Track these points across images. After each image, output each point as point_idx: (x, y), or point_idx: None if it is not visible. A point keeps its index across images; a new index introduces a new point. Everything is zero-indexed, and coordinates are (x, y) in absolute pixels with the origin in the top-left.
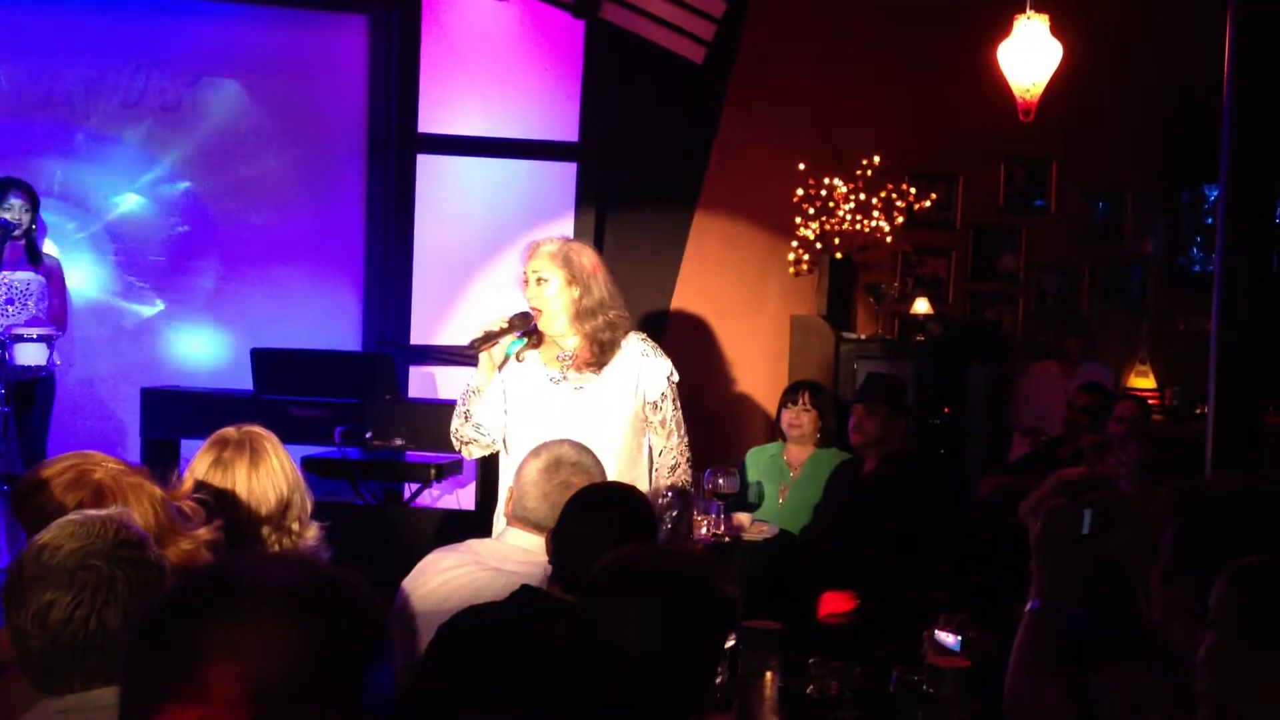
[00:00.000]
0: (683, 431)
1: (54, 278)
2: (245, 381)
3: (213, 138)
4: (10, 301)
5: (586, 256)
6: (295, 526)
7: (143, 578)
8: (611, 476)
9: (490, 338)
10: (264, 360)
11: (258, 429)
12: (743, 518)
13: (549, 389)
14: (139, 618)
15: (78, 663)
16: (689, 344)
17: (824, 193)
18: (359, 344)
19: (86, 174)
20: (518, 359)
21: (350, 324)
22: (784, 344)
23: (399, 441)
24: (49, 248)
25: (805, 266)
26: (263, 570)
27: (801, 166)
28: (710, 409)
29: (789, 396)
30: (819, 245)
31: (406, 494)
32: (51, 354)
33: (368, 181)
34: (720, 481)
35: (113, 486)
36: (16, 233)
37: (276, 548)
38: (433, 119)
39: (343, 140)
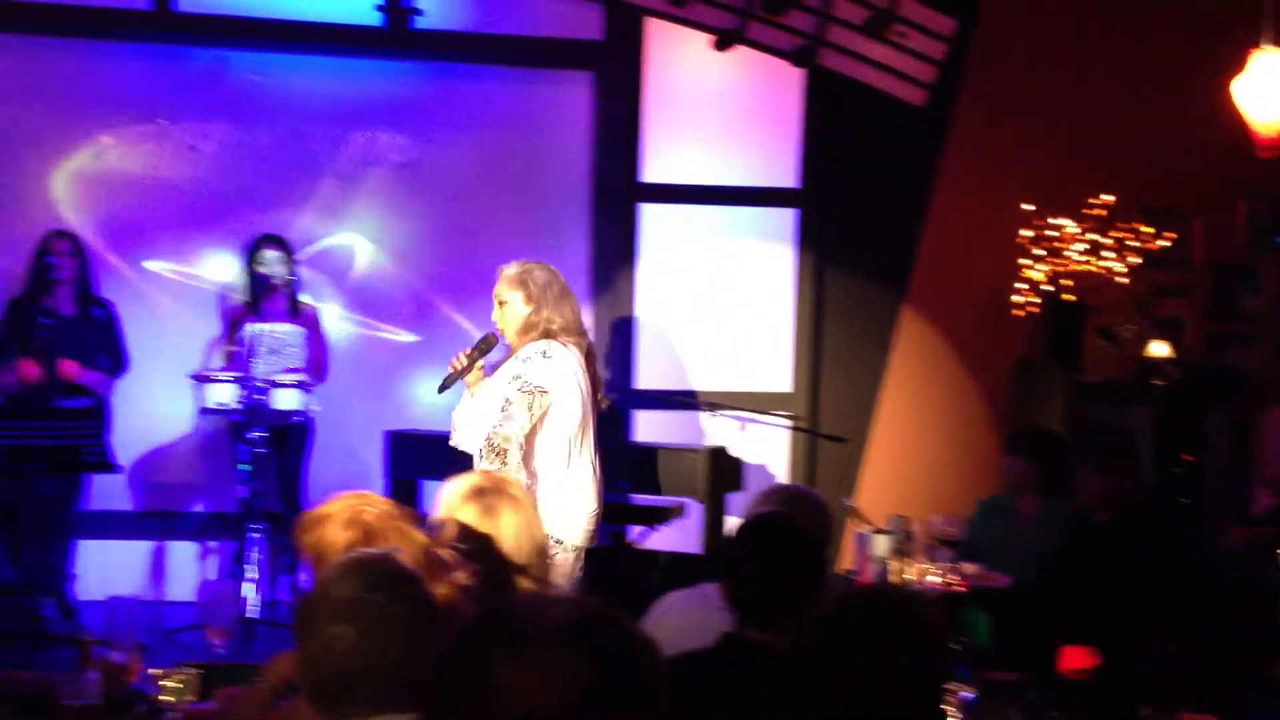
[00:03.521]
0: (514, 421)
1: (313, 326)
2: None
3: (448, 192)
4: (274, 352)
5: (541, 273)
6: (550, 567)
7: (418, 613)
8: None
9: (456, 375)
10: None
11: (500, 476)
12: (971, 568)
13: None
14: (435, 657)
15: (358, 691)
16: (912, 386)
17: (1052, 233)
18: None
19: (329, 228)
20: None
21: None
22: (1010, 387)
23: (625, 485)
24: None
25: (1034, 309)
26: (544, 610)
27: (1031, 207)
28: (935, 454)
29: (1009, 445)
30: (1049, 286)
31: (632, 535)
32: (308, 399)
33: (593, 230)
34: (946, 529)
35: (380, 529)
36: (275, 282)
37: (535, 589)
38: (655, 168)
39: (569, 192)
